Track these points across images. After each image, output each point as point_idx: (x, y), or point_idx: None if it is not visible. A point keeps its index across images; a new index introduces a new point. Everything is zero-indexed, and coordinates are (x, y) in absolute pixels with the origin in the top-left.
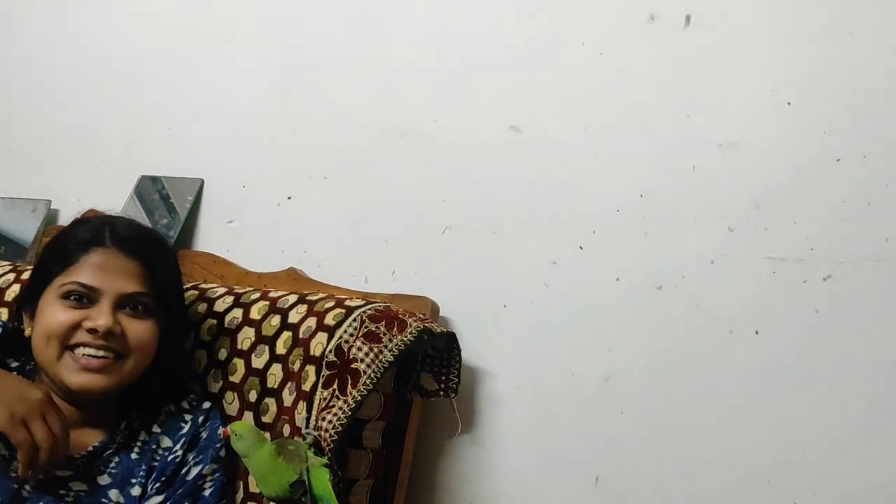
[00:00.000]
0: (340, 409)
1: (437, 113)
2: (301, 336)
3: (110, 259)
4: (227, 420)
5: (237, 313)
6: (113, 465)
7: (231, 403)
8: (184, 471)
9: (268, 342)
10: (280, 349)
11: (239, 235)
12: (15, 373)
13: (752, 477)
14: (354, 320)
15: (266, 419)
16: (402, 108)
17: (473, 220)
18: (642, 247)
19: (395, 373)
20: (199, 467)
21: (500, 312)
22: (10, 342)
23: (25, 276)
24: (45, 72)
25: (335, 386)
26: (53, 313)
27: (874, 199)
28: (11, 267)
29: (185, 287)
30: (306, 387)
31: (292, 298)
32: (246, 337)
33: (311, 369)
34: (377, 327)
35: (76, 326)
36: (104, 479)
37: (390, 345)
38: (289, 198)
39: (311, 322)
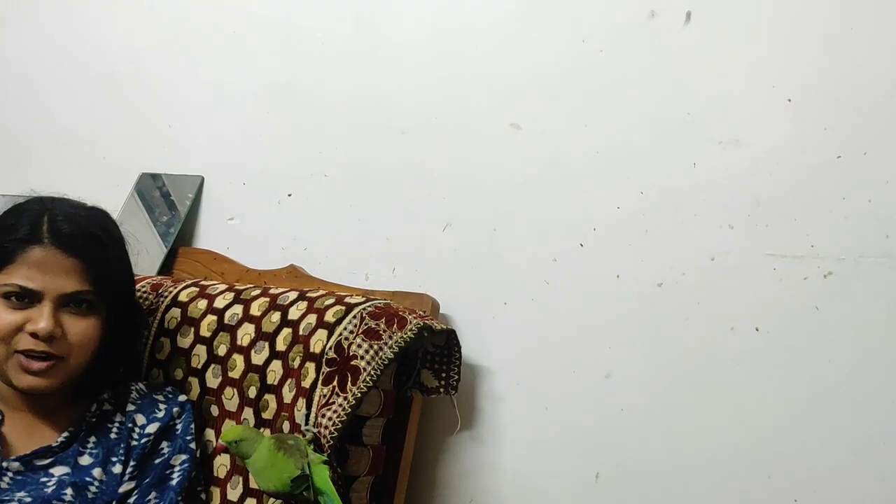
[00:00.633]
0: (340, 406)
1: (438, 110)
2: (301, 333)
3: (49, 257)
4: (208, 419)
5: (237, 309)
6: (91, 445)
7: (230, 399)
8: (156, 460)
9: (268, 339)
10: (280, 346)
11: (239, 233)
12: None
13: (753, 474)
14: (354, 317)
15: (266, 415)
16: (402, 106)
17: (474, 217)
18: (643, 244)
19: (395, 370)
20: (168, 457)
21: (500, 310)
22: None
23: None
24: (45, 69)
25: (335, 383)
26: None
27: (875, 195)
28: None
29: (185, 284)
30: (306, 383)
31: (292, 295)
32: (246, 333)
33: (311, 366)
34: (377, 324)
35: (19, 328)
36: (85, 460)
37: (390, 342)
38: (289, 195)
39: (312, 319)
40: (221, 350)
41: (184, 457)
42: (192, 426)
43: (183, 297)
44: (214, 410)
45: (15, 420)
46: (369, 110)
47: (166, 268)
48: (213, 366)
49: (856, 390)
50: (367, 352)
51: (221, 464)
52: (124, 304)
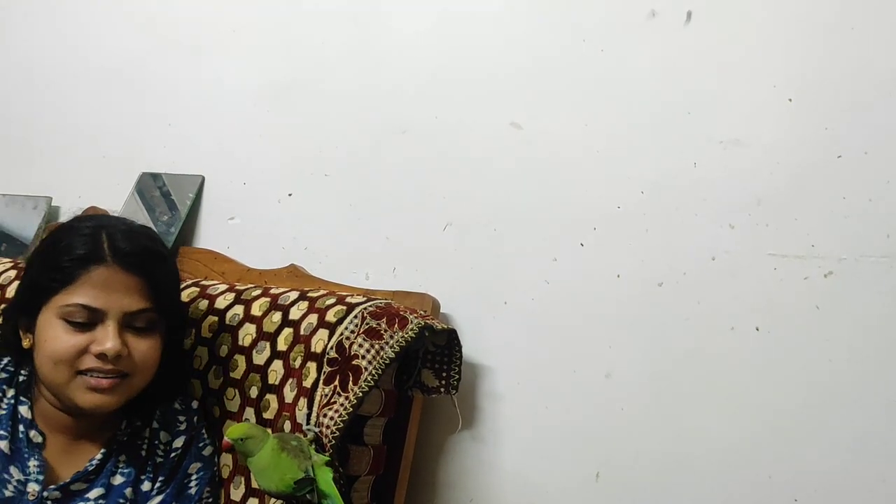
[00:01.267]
0: (342, 405)
1: (438, 109)
2: (302, 333)
3: (112, 276)
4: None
5: (238, 310)
6: (123, 464)
7: (232, 399)
8: (180, 472)
9: (269, 339)
10: (281, 346)
11: (240, 232)
12: (5, 385)
13: (754, 473)
14: (355, 317)
15: (267, 415)
16: (402, 105)
17: (474, 216)
18: (643, 243)
19: (396, 369)
20: (185, 466)
21: (500, 309)
22: None
23: None
24: (46, 69)
25: (336, 383)
26: (58, 337)
27: (875, 195)
28: (12, 264)
29: (186, 284)
30: (307, 383)
31: (293, 295)
32: (247, 333)
33: (312, 366)
34: (378, 324)
35: (83, 351)
36: (117, 479)
37: (391, 341)
38: (290, 195)
39: (313, 319)
40: (223, 351)
41: (198, 465)
42: (204, 433)
43: (183, 297)
44: (216, 411)
45: (55, 442)
46: (370, 110)
47: None
48: (214, 367)
49: (856, 390)
50: (368, 351)
51: (224, 464)
52: (178, 318)
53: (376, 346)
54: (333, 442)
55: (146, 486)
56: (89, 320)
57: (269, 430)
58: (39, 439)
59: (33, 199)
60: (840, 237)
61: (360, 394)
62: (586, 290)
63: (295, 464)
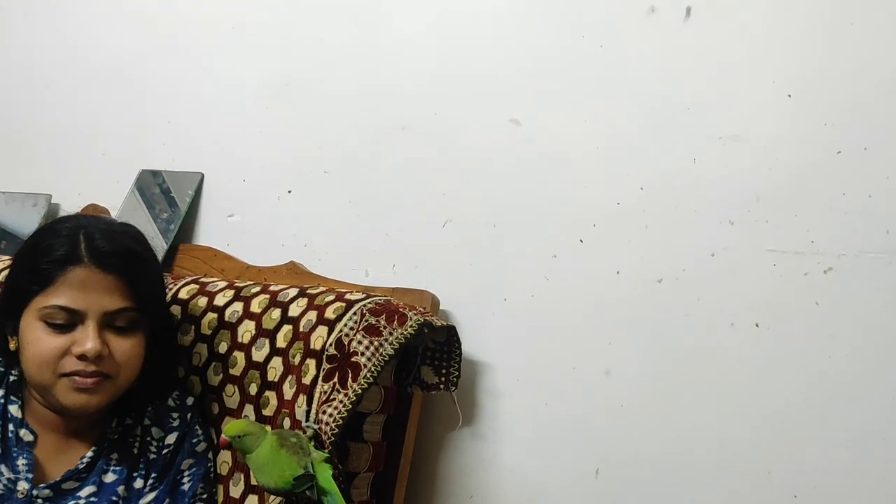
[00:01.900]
0: (341, 402)
1: (438, 107)
2: (301, 329)
3: (90, 277)
4: (209, 417)
5: (238, 307)
6: (114, 462)
7: (231, 396)
8: (173, 468)
9: (268, 335)
10: (280, 342)
11: (239, 229)
12: None
13: (753, 470)
14: (355, 314)
15: (266, 412)
16: (402, 103)
17: (474, 213)
18: (643, 240)
19: (395, 366)
20: (178, 463)
21: (500, 306)
22: None
23: None
24: (46, 66)
25: (336, 379)
26: (39, 340)
27: (875, 191)
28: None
29: (185, 281)
30: (307, 380)
31: (293, 292)
32: (246, 330)
33: (311, 363)
34: (377, 321)
35: (64, 352)
36: (109, 477)
37: (391, 338)
38: (289, 192)
39: (312, 315)
40: (222, 348)
41: (191, 461)
42: (199, 429)
43: (183, 294)
44: (215, 408)
45: (46, 441)
46: (369, 107)
47: (166, 264)
48: (214, 363)
49: (856, 386)
50: (367, 348)
51: (224, 460)
52: (162, 317)
53: (375, 343)
54: (333, 439)
55: (139, 483)
56: (69, 321)
57: (268, 427)
58: (30, 438)
59: (33, 197)
60: (839, 233)
61: (360, 390)
62: (586, 288)
63: (294, 460)
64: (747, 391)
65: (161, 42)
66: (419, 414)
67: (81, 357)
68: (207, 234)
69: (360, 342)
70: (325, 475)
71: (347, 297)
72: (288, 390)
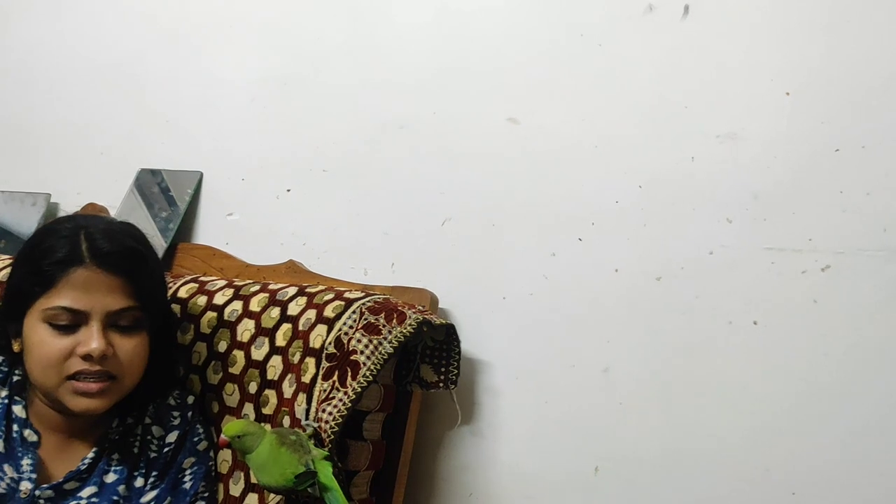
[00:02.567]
0: (340, 400)
1: (436, 105)
2: (301, 328)
3: (92, 277)
4: (209, 416)
5: (237, 305)
6: (115, 461)
7: (231, 395)
8: (174, 467)
9: (268, 334)
10: (280, 341)
11: (238, 228)
12: None
13: (751, 467)
14: (354, 312)
15: (266, 411)
16: (400, 101)
17: (472, 211)
18: (641, 238)
19: (394, 364)
20: (179, 461)
21: (499, 304)
22: None
23: None
24: (44, 65)
25: (335, 378)
26: (43, 342)
27: (873, 189)
28: (11, 261)
29: (184, 280)
30: (306, 379)
31: (292, 291)
32: (246, 329)
33: (310, 361)
34: (377, 319)
35: (69, 353)
36: (110, 477)
37: (390, 336)
38: (288, 190)
39: (311, 314)
40: (221, 346)
41: (193, 459)
42: (200, 428)
43: (182, 293)
44: (215, 407)
45: (49, 441)
46: (368, 105)
47: (166, 263)
48: (213, 362)
49: (854, 383)
50: (366, 347)
51: (223, 459)
52: (164, 316)
53: (375, 342)
54: (332, 437)
55: (139, 482)
56: (73, 322)
57: (269, 426)
58: (34, 438)
59: (32, 196)
60: (837, 231)
61: (359, 389)
62: (584, 285)
63: (295, 458)
64: (745, 388)
65: (159, 41)
66: (419, 412)
67: (86, 357)
68: (206, 232)
69: (359, 340)
70: (326, 472)
71: (346, 295)
72: (288, 389)
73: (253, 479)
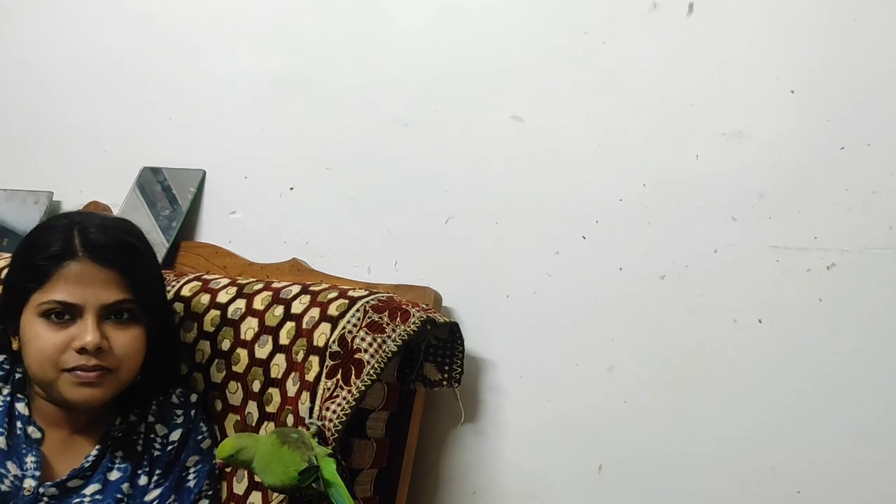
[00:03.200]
0: (344, 399)
1: (440, 103)
2: (304, 326)
3: (85, 271)
4: (213, 414)
5: (240, 304)
6: (119, 459)
7: (234, 393)
8: (178, 465)
9: (271, 332)
10: (283, 339)
11: (241, 226)
12: (0, 382)
13: (757, 466)
14: (357, 310)
15: (270, 409)
16: (404, 99)
17: (476, 210)
18: (645, 236)
19: (398, 363)
20: (183, 459)
21: (502, 302)
22: None
23: None
24: (47, 63)
25: (339, 376)
26: (39, 336)
27: (878, 187)
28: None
29: (188, 278)
30: (310, 377)
31: (295, 289)
32: (249, 327)
33: (314, 359)
34: (380, 317)
35: (65, 347)
36: (114, 475)
37: (393, 335)
38: (291, 188)
39: (315, 312)
40: (225, 345)
41: (197, 457)
42: (203, 426)
43: (186, 291)
44: (219, 405)
45: (52, 438)
46: (371, 104)
47: (168, 262)
48: (217, 360)
49: (859, 382)
50: (370, 345)
51: None
52: (162, 311)
53: (378, 340)
54: (336, 435)
55: (143, 480)
56: (67, 315)
57: (267, 426)
58: (38, 435)
59: (34, 194)
60: (843, 229)
61: (363, 387)
62: (588, 284)
63: (297, 455)
64: (750, 387)
65: (162, 39)
66: (422, 411)
67: (81, 351)
68: (209, 231)
69: (363, 339)
70: (330, 469)
71: (350, 293)
72: (291, 387)
73: (256, 479)
